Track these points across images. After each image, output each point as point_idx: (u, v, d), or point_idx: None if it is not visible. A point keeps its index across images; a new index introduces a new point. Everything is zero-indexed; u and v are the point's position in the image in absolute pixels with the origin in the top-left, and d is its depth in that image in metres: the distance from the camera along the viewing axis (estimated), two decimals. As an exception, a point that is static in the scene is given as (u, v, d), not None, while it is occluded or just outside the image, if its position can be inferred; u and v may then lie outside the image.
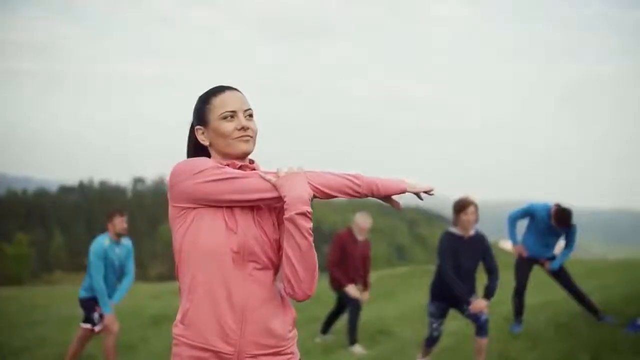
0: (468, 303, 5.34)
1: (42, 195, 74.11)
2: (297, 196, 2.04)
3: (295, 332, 2.22)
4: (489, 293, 5.44)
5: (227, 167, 2.12)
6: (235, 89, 2.21)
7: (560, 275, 6.99)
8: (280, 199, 2.08)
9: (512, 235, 7.07)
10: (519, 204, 7.98)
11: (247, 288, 2.08)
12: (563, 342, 6.18)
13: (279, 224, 2.18)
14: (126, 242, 6.50)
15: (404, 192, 2.19)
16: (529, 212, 6.98)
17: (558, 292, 8.01)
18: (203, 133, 2.20)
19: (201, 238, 2.07)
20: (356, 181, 2.14)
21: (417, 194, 2.21)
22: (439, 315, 5.63)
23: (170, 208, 2.16)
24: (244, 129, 2.14)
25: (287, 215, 2.04)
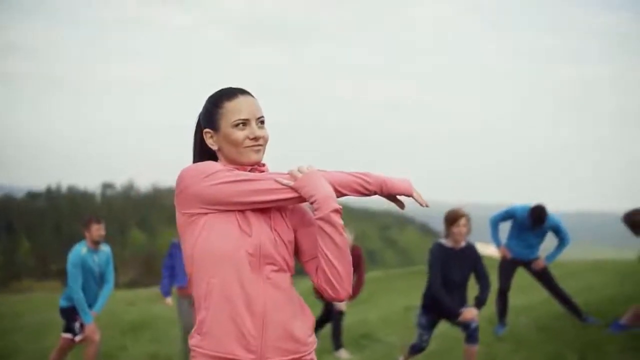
0: (458, 315, 5.31)
1: (8, 201, 72.80)
2: (327, 194, 2.00)
3: (314, 337, 2.16)
4: (479, 303, 5.41)
5: (237, 170, 2.07)
6: (249, 94, 2.14)
7: (544, 277, 7.04)
8: (299, 199, 2.04)
9: (495, 238, 7.12)
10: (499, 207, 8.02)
11: (265, 292, 2.02)
12: (548, 344, 6.20)
13: (293, 225, 2.13)
14: (105, 249, 6.38)
15: (410, 195, 2.17)
16: (510, 214, 7.03)
17: (539, 294, 8.07)
18: (212, 137, 2.14)
19: (215, 243, 2.01)
20: (366, 179, 2.11)
21: (417, 201, 2.20)
22: (429, 327, 5.59)
23: (178, 216, 2.09)
24: (256, 138, 2.08)
25: (320, 214, 1.99)
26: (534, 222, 6.76)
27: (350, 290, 2.07)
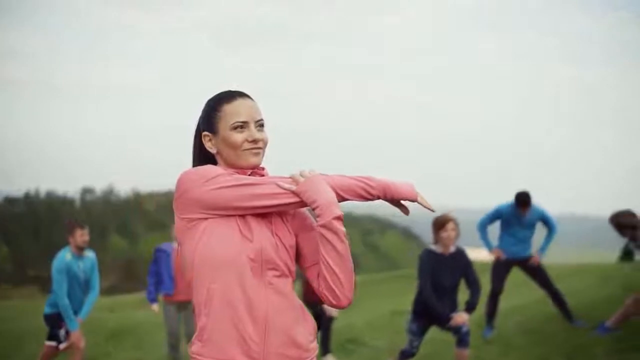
0: (449, 320, 5.30)
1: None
2: (329, 200, 1.96)
3: (316, 343, 2.12)
4: (470, 307, 5.40)
5: (237, 174, 2.04)
6: (247, 96, 2.11)
7: (539, 275, 7.06)
8: (300, 204, 2.00)
9: (486, 241, 7.14)
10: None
11: (267, 297, 1.98)
12: (536, 347, 6.23)
13: (294, 230, 2.10)
14: (89, 254, 6.28)
15: (414, 199, 2.13)
16: (496, 214, 7.07)
17: (526, 297, 8.11)
18: (210, 140, 2.10)
19: (215, 248, 1.96)
20: (370, 183, 2.07)
21: (422, 205, 2.16)
22: (420, 333, 5.58)
23: (177, 220, 2.04)
24: (255, 141, 2.05)
25: (322, 221, 1.96)
26: (520, 206, 6.83)
27: (351, 298, 2.04)
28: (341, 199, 2.04)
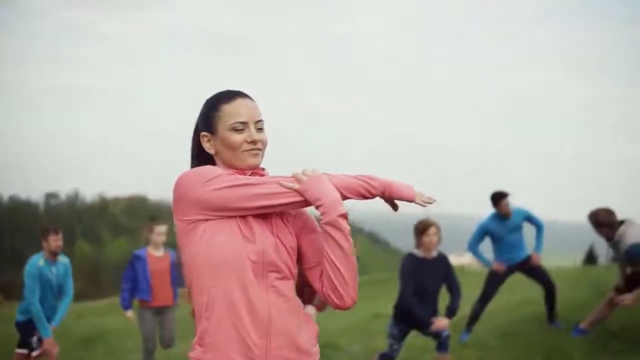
0: (429, 325, 5.31)
1: (-55, 212, 70.35)
2: (333, 199, 1.94)
3: (318, 347, 2.08)
4: (450, 312, 5.42)
5: (237, 174, 2.00)
6: (247, 96, 2.08)
7: (540, 274, 7.11)
8: (303, 203, 1.97)
9: (483, 260, 7.20)
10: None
11: (269, 300, 1.94)
12: (513, 349, 6.29)
13: (295, 231, 2.07)
14: (63, 260, 6.17)
15: (412, 201, 2.11)
16: (481, 232, 7.10)
17: (500, 300, 8.16)
18: (209, 141, 2.06)
19: (216, 250, 1.92)
20: (372, 182, 2.05)
21: (422, 205, 2.13)
22: (401, 337, 5.59)
23: (176, 222, 2.00)
24: (254, 142, 2.01)
25: (327, 219, 1.93)
26: (498, 205, 6.92)
27: (356, 298, 2.01)
28: (344, 197, 2.01)
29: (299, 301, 2.05)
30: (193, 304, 2.01)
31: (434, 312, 5.44)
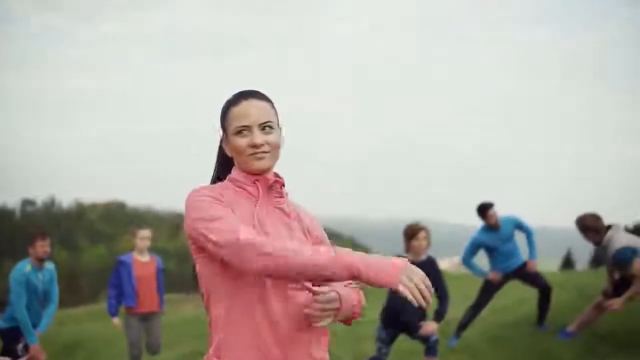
0: (418, 328, 5.33)
1: None
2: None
3: (328, 355, 2.06)
4: (439, 316, 5.43)
5: (219, 202, 1.91)
6: (255, 96, 2.01)
7: (537, 279, 7.13)
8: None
9: (478, 272, 7.24)
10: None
11: (288, 310, 1.91)
12: (502, 353, 6.32)
13: (312, 240, 2.06)
14: (49, 266, 6.09)
15: (395, 288, 1.79)
16: (474, 245, 7.13)
17: (487, 305, 8.20)
18: (227, 145, 2.04)
19: None
20: (324, 272, 1.76)
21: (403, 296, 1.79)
22: (389, 341, 5.59)
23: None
24: (256, 145, 1.94)
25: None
26: (484, 216, 6.96)
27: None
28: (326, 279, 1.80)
29: None
30: (209, 315, 1.98)
31: (422, 316, 5.45)
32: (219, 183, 2.05)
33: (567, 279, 11.39)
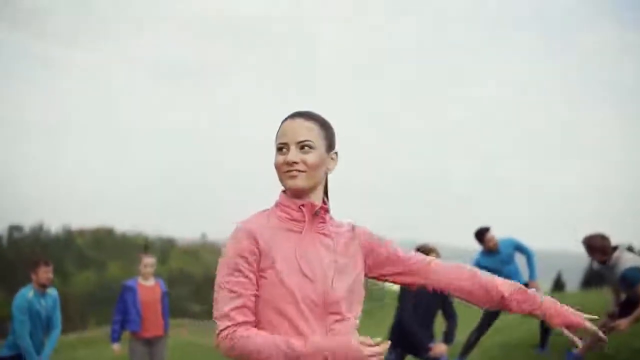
0: (427, 350, 5.35)
1: None
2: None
3: None
4: (448, 338, 5.46)
5: (242, 271, 1.88)
6: (303, 116, 1.97)
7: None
8: None
9: None
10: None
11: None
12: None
13: (364, 254, 2.04)
14: (52, 292, 6.09)
15: None
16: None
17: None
18: None
19: (273, 291, 1.86)
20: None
21: None
22: None
23: None
24: (288, 163, 1.91)
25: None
26: (482, 241, 7.03)
27: None
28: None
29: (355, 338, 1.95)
30: None
31: (431, 337, 5.48)
32: (267, 211, 2.01)
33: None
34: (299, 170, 1.92)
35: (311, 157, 1.93)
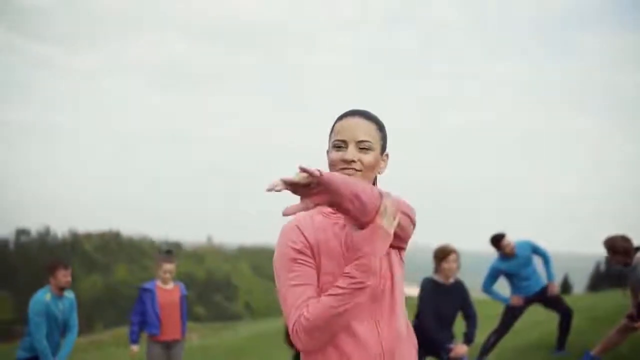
0: (448, 350, 5.35)
1: None
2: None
3: None
4: (468, 339, 5.47)
5: (299, 261, 1.90)
6: (362, 115, 2.00)
7: (559, 303, 7.17)
8: None
9: (500, 298, 7.28)
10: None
11: (381, 335, 1.92)
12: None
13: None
14: (69, 295, 6.10)
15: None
16: (493, 273, 7.19)
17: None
18: (328, 158, 2.05)
19: (320, 287, 1.88)
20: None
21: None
22: None
23: None
24: (346, 161, 1.93)
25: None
26: (498, 247, 7.03)
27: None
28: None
29: (412, 336, 2.05)
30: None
31: (451, 338, 5.49)
32: (307, 212, 2.00)
33: (579, 303, 11.37)
34: (355, 169, 1.94)
35: (368, 158, 1.96)
